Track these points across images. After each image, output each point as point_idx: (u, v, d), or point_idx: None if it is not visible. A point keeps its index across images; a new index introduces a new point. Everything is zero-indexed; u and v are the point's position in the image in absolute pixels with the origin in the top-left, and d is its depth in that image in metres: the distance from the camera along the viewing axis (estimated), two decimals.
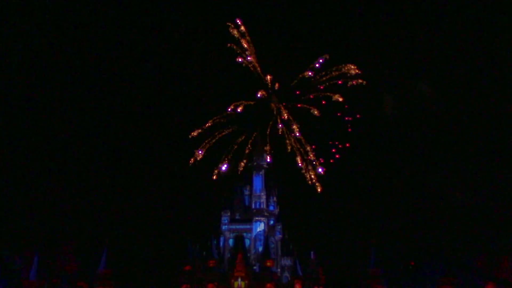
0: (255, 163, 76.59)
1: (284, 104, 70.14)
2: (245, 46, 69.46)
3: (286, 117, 67.47)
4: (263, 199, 75.40)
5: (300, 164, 71.03)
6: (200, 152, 67.69)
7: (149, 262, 77.64)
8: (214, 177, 70.91)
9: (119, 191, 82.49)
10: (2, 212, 75.78)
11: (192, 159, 70.51)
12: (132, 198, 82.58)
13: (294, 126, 69.75)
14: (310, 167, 70.89)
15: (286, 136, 70.74)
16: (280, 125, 69.70)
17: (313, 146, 69.26)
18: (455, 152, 78.29)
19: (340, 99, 68.57)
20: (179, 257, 71.52)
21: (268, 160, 69.64)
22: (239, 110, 67.69)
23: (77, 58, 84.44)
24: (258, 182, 75.99)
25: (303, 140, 70.70)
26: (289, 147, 69.85)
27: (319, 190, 70.85)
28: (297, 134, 69.85)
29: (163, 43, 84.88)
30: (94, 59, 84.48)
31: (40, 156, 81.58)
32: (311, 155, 69.95)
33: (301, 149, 70.25)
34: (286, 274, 72.19)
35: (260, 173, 76.28)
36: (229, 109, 69.60)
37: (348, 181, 79.75)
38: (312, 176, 70.74)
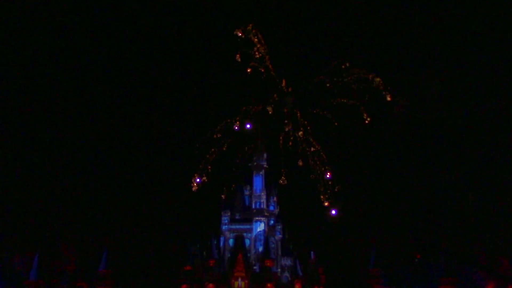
0: (255, 163, 76.65)
1: (299, 111, 69.13)
2: (258, 51, 68.56)
3: (302, 134, 66.24)
4: (263, 199, 75.39)
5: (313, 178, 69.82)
6: (198, 180, 66.87)
7: (149, 262, 77.67)
8: (223, 196, 70.32)
9: (119, 191, 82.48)
10: (2, 212, 75.80)
11: (194, 185, 69.88)
12: (132, 198, 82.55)
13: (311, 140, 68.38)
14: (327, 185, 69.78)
15: (300, 150, 69.60)
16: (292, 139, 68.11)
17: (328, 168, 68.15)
18: (463, 152, 78.28)
19: (368, 120, 66.96)
20: (179, 257, 71.59)
21: (282, 182, 68.58)
22: (248, 126, 66.72)
23: (79, 61, 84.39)
24: (258, 182, 76.00)
25: (323, 156, 69.47)
26: (301, 163, 68.84)
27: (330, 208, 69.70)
28: (315, 148, 68.28)
29: (169, 47, 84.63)
30: (96, 59, 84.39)
31: (40, 156, 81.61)
32: (328, 172, 68.81)
33: (317, 162, 69.16)
34: (286, 274, 72.27)
35: (260, 173, 76.30)
36: (237, 121, 68.48)
37: (350, 180, 79.63)
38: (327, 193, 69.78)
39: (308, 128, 66.70)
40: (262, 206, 75.13)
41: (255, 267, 71.11)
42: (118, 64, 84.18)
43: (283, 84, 66.31)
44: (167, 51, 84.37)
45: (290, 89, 66.69)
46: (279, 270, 72.53)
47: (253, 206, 75.29)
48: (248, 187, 77.72)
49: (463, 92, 77.13)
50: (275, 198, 76.68)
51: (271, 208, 76.07)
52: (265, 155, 76.86)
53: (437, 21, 78.69)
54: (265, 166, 76.65)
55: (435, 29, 78.85)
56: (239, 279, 68.45)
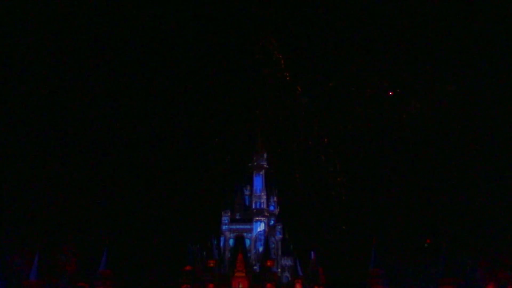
0: (255, 163, 76.78)
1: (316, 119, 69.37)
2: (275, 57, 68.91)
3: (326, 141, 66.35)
4: (264, 199, 75.42)
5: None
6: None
7: (149, 262, 77.70)
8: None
9: (119, 191, 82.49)
10: (2, 212, 75.76)
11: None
12: (132, 198, 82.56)
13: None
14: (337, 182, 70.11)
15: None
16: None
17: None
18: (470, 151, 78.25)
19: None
20: (179, 257, 71.60)
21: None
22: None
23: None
24: (258, 182, 76.07)
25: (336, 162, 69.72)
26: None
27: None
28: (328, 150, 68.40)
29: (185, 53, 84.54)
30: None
31: (40, 156, 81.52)
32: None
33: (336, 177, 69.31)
34: (286, 274, 72.30)
35: (260, 173, 76.38)
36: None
37: (352, 181, 79.80)
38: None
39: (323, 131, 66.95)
40: (262, 206, 75.15)
41: (255, 267, 71.14)
42: (127, 65, 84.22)
43: (299, 89, 66.49)
44: (183, 55, 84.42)
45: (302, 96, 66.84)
46: (279, 270, 72.54)
47: (253, 206, 75.32)
48: (248, 187, 77.79)
49: (477, 93, 77.14)
50: (275, 198, 76.73)
51: (271, 208, 76.09)
52: (265, 155, 77.13)
53: (451, 23, 78.58)
54: (265, 166, 76.80)
55: (449, 31, 78.75)
56: (239, 279, 68.37)
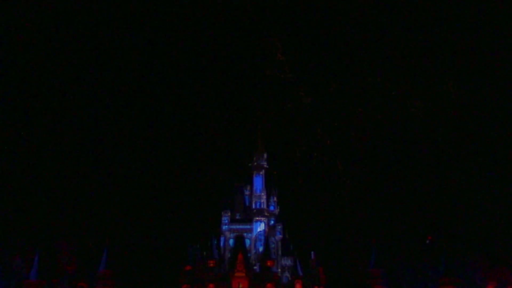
0: (255, 163, 76.81)
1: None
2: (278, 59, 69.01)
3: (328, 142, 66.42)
4: (264, 199, 75.45)
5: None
6: None
7: (150, 262, 77.72)
8: None
9: (119, 191, 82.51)
10: (2, 212, 75.77)
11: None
12: (132, 198, 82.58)
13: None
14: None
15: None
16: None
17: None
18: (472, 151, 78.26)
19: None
20: (179, 257, 71.65)
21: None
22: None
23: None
24: (258, 182, 76.10)
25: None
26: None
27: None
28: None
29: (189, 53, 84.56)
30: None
31: (40, 156, 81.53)
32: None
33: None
34: (287, 274, 72.27)
35: (260, 173, 76.40)
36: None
37: (354, 181, 79.81)
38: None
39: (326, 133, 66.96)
40: (262, 206, 75.18)
41: (255, 267, 71.12)
42: (129, 66, 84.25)
43: (301, 91, 66.50)
44: (185, 56, 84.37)
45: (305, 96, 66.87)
46: (279, 270, 72.53)
47: (253, 206, 75.36)
48: (248, 187, 77.79)
49: (478, 93, 77.09)
50: (275, 198, 76.73)
51: (271, 208, 76.09)
52: (265, 155, 77.16)
53: (452, 23, 78.48)
54: (265, 166, 76.83)
55: (450, 31, 78.69)
56: (239, 279, 68.35)
